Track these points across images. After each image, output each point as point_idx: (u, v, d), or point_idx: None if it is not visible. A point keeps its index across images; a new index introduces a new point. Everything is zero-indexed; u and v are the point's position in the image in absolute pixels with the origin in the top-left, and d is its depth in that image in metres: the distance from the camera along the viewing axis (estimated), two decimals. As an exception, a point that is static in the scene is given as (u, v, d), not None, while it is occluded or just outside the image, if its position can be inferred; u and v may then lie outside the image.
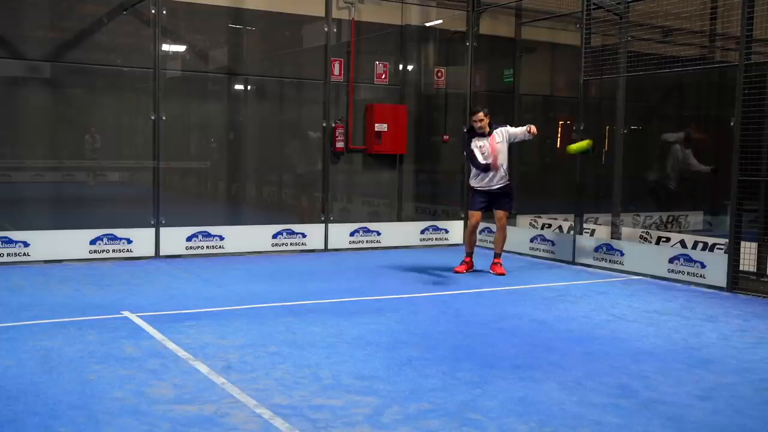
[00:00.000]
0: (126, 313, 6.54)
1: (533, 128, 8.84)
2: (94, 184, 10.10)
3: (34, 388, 4.53)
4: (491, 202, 9.05)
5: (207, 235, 9.99)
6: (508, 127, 9.07)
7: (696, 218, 13.29)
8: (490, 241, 11.40)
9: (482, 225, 11.58)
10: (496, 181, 8.93)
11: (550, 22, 11.84)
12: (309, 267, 9.43)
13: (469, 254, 9.28)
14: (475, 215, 9.13)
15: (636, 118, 13.29)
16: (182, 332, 5.91)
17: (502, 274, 9.04)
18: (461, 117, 11.98)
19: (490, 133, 8.93)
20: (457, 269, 9.19)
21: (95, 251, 9.37)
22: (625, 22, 9.86)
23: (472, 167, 9.06)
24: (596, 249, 9.73)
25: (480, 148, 8.90)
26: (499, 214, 9.11)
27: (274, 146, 11.33)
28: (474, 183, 9.06)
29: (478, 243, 11.56)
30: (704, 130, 13.37)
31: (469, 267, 9.23)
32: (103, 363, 5.06)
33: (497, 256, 9.26)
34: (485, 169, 8.84)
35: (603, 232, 10.58)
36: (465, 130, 9.28)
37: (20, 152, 9.68)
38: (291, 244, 10.52)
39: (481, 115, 8.90)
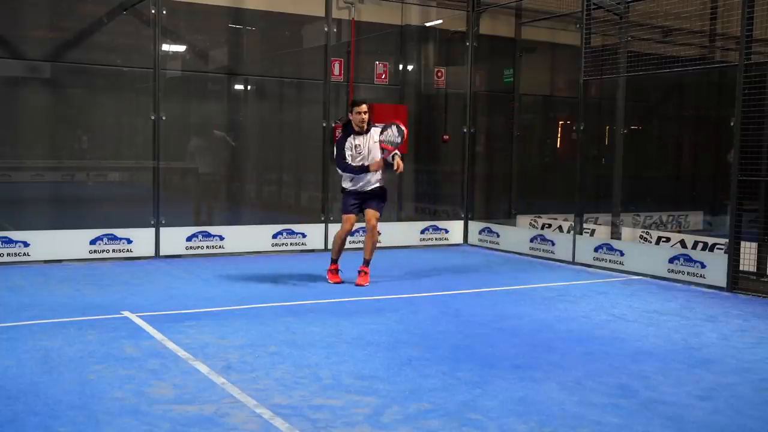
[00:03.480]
0: (126, 313, 6.53)
1: (401, 165, 7.95)
2: (93, 182, 10.12)
3: (34, 388, 4.53)
4: (363, 203, 8.15)
5: (207, 235, 9.99)
6: (379, 130, 8.12)
7: (696, 218, 13.30)
8: (490, 241, 11.41)
9: (481, 225, 11.61)
10: (373, 182, 8.07)
11: (550, 22, 11.84)
12: (309, 267, 9.42)
13: (336, 261, 8.29)
14: (350, 219, 8.12)
15: (636, 118, 13.30)
16: (182, 332, 5.91)
17: (363, 285, 8.03)
18: (461, 117, 11.98)
19: (367, 131, 8.08)
20: (332, 279, 8.22)
21: (95, 251, 9.37)
22: (625, 22, 9.86)
23: (342, 169, 8.10)
24: (596, 249, 9.73)
25: (356, 147, 8.00)
26: (369, 213, 8.07)
27: (274, 146, 11.33)
28: (346, 184, 8.13)
29: (478, 243, 11.62)
30: (704, 130, 13.39)
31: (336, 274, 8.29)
32: (103, 363, 5.06)
33: (366, 263, 8.19)
34: (358, 171, 7.97)
35: (603, 232, 10.58)
36: (337, 123, 7.92)
37: (20, 152, 9.68)
38: (291, 244, 10.52)
39: (365, 107, 7.99)
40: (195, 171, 10.71)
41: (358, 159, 8.02)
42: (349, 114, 8.12)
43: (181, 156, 10.50)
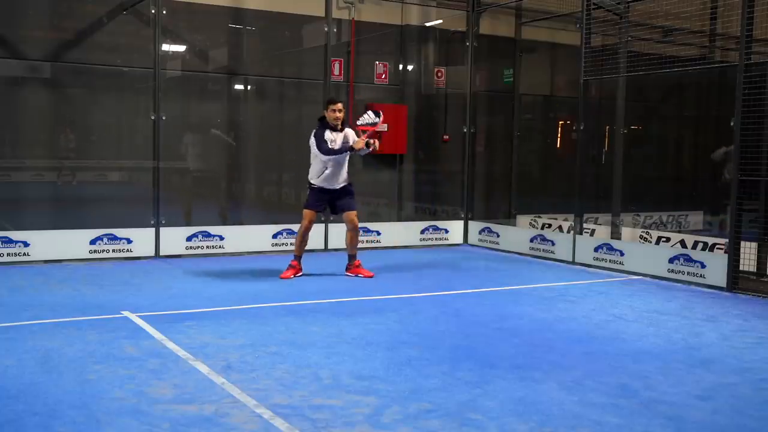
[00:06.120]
0: (126, 313, 6.53)
1: (365, 142, 8.21)
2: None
3: (34, 388, 4.53)
4: (333, 202, 8.48)
5: (207, 235, 9.98)
6: (353, 133, 8.46)
7: (696, 218, 13.30)
8: (490, 241, 11.41)
9: (481, 225, 11.61)
10: (341, 180, 8.40)
11: (550, 22, 11.85)
12: (309, 267, 9.40)
13: (299, 258, 8.59)
14: (311, 215, 8.46)
15: (636, 118, 13.30)
16: (182, 332, 5.91)
17: (370, 276, 8.59)
18: (461, 117, 11.98)
19: (341, 129, 8.43)
20: (284, 275, 8.45)
21: (95, 251, 9.36)
22: (625, 22, 9.87)
23: (319, 163, 8.29)
24: (596, 249, 9.73)
25: (332, 142, 8.33)
26: (351, 215, 8.49)
27: (274, 146, 11.34)
28: (316, 181, 8.38)
29: (478, 243, 11.62)
30: (704, 130, 13.38)
31: (297, 271, 8.54)
32: (103, 363, 5.06)
33: (354, 257, 8.71)
34: (340, 151, 8.25)
35: (603, 232, 10.58)
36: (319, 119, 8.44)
37: (20, 152, 9.68)
38: (291, 244, 10.47)
39: (341, 105, 8.38)
40: (189, 169, 10.79)
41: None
42: (325, 111, 8.48)
43: (180, 156, 10.49)
